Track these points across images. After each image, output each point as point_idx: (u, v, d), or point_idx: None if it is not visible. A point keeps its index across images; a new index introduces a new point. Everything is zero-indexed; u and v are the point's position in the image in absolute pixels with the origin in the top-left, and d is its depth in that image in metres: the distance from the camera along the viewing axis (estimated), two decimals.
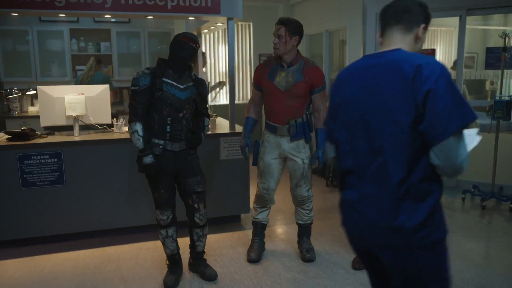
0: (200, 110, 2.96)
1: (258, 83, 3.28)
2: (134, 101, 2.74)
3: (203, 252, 3.13)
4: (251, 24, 7.52)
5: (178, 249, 3.08)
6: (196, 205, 2.95)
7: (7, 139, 3.66)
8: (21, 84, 5.95)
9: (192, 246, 3.11)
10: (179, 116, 2.80)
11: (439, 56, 7.73)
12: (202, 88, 2.93)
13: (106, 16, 3.84)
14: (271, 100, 3.21)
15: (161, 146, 2.79)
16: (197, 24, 4.92)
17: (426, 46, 7.50)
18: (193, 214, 2.97)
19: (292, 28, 3.05)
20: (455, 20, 5.17)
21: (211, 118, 4.19)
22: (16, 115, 5.88)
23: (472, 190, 4.87)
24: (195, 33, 5.48)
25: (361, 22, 5.65)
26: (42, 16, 5.94)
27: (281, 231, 4.03)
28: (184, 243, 3.24)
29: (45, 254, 3.51)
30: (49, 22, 6.13)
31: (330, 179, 5.34)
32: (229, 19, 3.93)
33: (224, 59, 7.35)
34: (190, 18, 4.04)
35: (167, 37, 6.61)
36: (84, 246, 3.65)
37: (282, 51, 3.09)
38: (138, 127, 2.72)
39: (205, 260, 3.17)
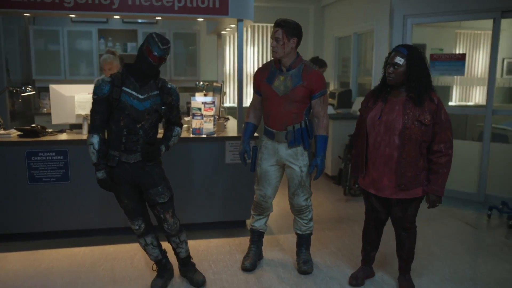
0: (169, 119, 2.85)
1: (257, 87, 3.18)
2: (93, 111, 2.66)
3: (189, 257, 3.06)
4: None
5: (163, 253, 3.02)
6: (162, 216, 2.83)
7: (18, 135, 3.78)
8: (50, 82, 6.15)
9: (175, 253, 3.04)
10: (136, 127, 2.68)
11: (478, 62, 7.30)
12: (168, 97, 2.76)
13: (115, 17, 3.88)
14: (269, 105, 3.10)
15: (116, 158, 2.70)
16: (215, 25, 4.88)
17: (458, 50, 7.11)
18: (161, 224, 2.87)
19: (289, 30, 2.92)
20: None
21: (219, 121, 4.14)
22: (46, 112, 6.11)
23: (500, 206, 4.52)
24: (215, 34, 5.46)
25: (388, 24, 5.41)
26: (73, 17, 6.13)
27: (284, 239, 3.90)
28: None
29: (46, 249, 3.58)
30: (79, 23, 6.32)
31: (348, 187, 5.13)
32: (239, 20, 3.85)
33: (248, 60, 7.30)
34: (199, 19, 3.99)
35: (192, 38, 6.65)
36: (85, 244, 3.69)
37: (281, 54, 2.97)
38: (95, 139, 2.64)
39: (193, 265, 3.10)
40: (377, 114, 2.76)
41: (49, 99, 6.16)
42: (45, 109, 6.15)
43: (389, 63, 2.71)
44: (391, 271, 3.26)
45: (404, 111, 2.67)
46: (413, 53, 2.68)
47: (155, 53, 2.59)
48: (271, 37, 3.00)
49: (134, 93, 2.65)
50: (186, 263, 3.06)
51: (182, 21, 6.43)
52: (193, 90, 6.65)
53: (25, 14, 3.77)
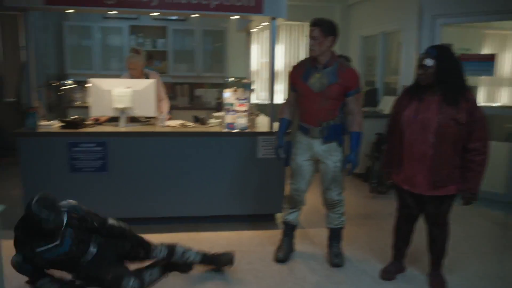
0: (95, 228, 2.70)
1: (293, 84, 3.26)
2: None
3: (206, 255, 3.11)
4: (307, 24, 7.46)
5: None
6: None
7: (60, 126, 3.94)
8: (83, 77, 6.35)
9: (188, 263, 3.07)
10: (78, 264, 2.66)
11: (506, 63, 7.23)
12: (77, 232, 2.60)
13: (152, 14, 4.00)
14: (304, 101, 3.19)
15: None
16: (247, 23, 4.97)
17: (485, 51, 7.05)
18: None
19: (326, 28, 3.00)
20: None
21: (251, 117, 4.23)
22: (78, 105, 6.30)
23: None
24: (245, 31, 5.54)
25: (416, 24, 5.43)
26: (105, 14, 6.31)
27: (314, 233, 3.98)
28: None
29: None
30: (111, 19, 6.50)
31: (375, 185, 5.18)
32: (272, 18, 3.94)
33: (277, 58, 7.37)
34: (235, 17, 4.09)
35: (220, 35, 6.75)
36: None
37: (318, 52, 3.05)
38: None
39: (216, 256, 3.15)
40: (412, 112, 2.81)
41: (80, 92, 6.38)
42: (78, 102, 6.34)
43: (419, 64, 2.76)
44: (422, 266, 3.32)
45: (439, 110, 2.72)
46: (444, 54, 2.71)
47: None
48: (308, 36, 3.08)
49: (48, 245, 2.51)
50: (211, 261, 3.12)
51: (210, 18, 6.54)
52: (221, 86, 6.77)
53: (65, 11, 3.90)
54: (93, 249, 2.68)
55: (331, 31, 3.03)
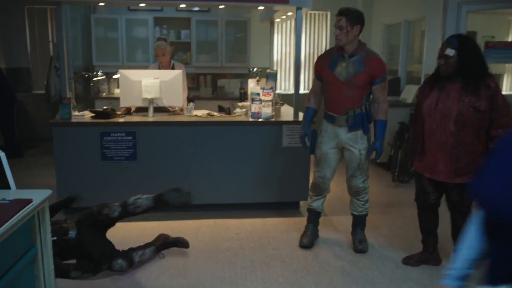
0: None
1: (319, 73, 3.32)
2: None
3: (157, 199, 3.13)
4: (329, 13, 7.46)
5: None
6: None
7: (92, 117, 4.08)
8: (109, 68, 6.51)
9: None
10: None
11: None
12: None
13: (182, 5, 4.09)
14: (331, 90, 3.24)
15: None
16: (270, 13, 5.02)
17: (511, 37, 6.91)
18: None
19: (353, 17, 3.04)
20: None
21: (276, 106, 4.30)
22: (104, 96, 6.47)
23: None
24: (269, 22, 5.59)
25: (442, 12, 5.38)
26: (130, 6, 6.43)
27: (337, 221, 4.05)
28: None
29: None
30: (136, 11, 6.62)
31: (396, 173, 5.21)
32: (298, 8, 3.98)
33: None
34: (260, 7, 4.14)
35: (243, 26, 6.81)
36: (151, 218, 3.95)
37: (344, 42, 3.10)
38: None
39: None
40: (433, 102, 2.83)
41: (107, 84, 6.54)
42: (104, 93, 6.51)
43: (440, 54, 2.77)
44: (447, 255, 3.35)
45: (459, 98, 2.73)
46: (465, 43, 2.71)
47: None
48: (334, 26, 3.12)
49: None
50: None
51: (233, 9, 6.60)
52: (244, 77, 6.85)
53: (99, 4, 4.03)
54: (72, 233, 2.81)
55: (357, 21, 3.07)
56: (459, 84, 2.76)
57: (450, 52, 2.71)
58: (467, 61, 2.69)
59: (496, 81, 2.77)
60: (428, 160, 2.92)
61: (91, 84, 5.90)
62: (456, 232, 3.02)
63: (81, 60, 6.66)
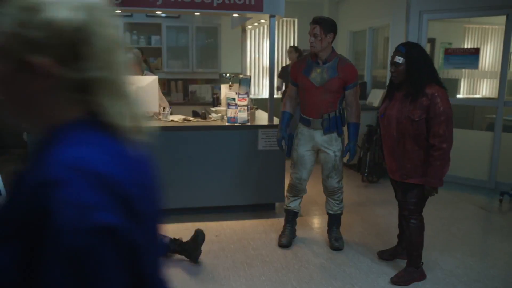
0: None
1: (294, 79, 3.46)
2: None
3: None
4: (296, 20, 7.67)
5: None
6: None
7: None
8: None
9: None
10: None
11: (486, 56, 7.56)
12: None
13: (157, 12, 4.13)
14: (306, 95, 3.39)
15: None
16: (242, 20, 5.14)
17: (466, 44, 7.36)
18: None
19: (326, 26, 3.20)
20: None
21: (252, 110, 4.42)
22: None
23: (511, 192, 4.82)
24: (240, 28, 5.71)
25: (404, 19, 5.68)
26: None
27: (314, 221, 4.20)
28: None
29: None
30: None
31: (365, 174, 5.43)
32: (271, 16, 4.12)
33: (265, 53, 7.55)
34: (234, 15, 4.25)
35: (214, 32, 6.90)
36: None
37: (318, 49, 3.25)
38: None
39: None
40: (382, 110, 2.97)
41: None
42: None
43: (391, 62, 2.88)
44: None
45: (399, 107, 2.83)
46: (412, 50, 2.80)
47: None
48: (309, 33, 3.27)
49: None
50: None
51: (203, 16, 6.66)
52: (215, 82, 6.93)
53: None
54: None
55: (331, 29, 3.23)
56: (403, 92, 2.85)
57: (399, 59, 2.79)
58: (414, 69, 2.76)
59: (444, 88, 2.80)
60: (387, 161, 3.08)
61: None
62: (402, 235, 3.18)
63: None
